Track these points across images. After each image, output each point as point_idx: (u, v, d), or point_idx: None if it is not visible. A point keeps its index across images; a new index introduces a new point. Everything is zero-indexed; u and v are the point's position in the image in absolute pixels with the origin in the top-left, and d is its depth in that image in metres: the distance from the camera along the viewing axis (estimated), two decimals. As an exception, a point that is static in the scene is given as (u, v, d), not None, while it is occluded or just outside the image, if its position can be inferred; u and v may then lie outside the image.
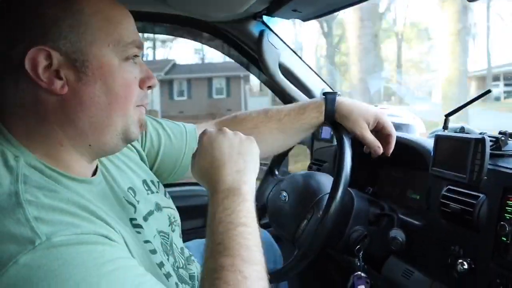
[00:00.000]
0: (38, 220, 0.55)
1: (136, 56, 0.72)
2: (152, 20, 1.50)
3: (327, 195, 1.01)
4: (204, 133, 0.81)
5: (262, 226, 1.42)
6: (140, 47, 0.73)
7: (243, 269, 0.63)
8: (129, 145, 0.90)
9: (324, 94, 1.11)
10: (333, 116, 1.07)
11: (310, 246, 0.97)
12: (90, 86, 0.67)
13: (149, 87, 0.76)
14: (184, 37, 1.63)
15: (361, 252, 1.10)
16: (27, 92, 0.65)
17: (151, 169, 0.98)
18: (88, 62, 0.67)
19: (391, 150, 1.10)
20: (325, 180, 1.17)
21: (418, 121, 1.47)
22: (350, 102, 1.08)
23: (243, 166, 0.77)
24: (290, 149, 1.40)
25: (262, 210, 1.35)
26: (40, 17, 0.64)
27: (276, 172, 1.49)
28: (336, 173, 0.98)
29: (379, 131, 1.09)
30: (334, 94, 1.09)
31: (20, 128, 0.67)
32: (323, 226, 0.95)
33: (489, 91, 0.97)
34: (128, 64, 0.71)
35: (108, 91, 0.68)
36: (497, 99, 13.59)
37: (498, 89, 14.48)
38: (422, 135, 1.38)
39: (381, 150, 1.08)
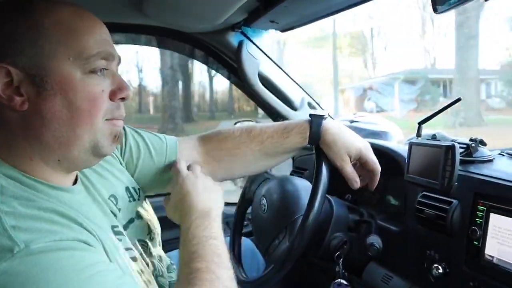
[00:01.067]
0: (15, 229, 0.56)
1: (104, 69, 0.71)
2: (131, 31, 1.50)
3: (301, 218, 1.00)
4: (178, 175, 0.93)
5: (245, 234, 1.42)
6: (108, 58, 0.71)
7: (217, 271, 0.72)
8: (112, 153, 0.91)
9: (311, 116, 1.05)
10: (317, 142, 1.03)
11: (279, 268, 1.00)
12: (51, 101, 0.66)
13: (122, 99, 0.74)
14: (163, 48, 1.64)
15: (341, 259, 1.11)
16: None
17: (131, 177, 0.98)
18: (47, 77, 0.66)
19: (374, 186, 1.07)
20: (304, 195, 1.14)
21: (395, 128, 1.51)
22: (336, 131, 1.03)
23: (213, 199, 0.88)
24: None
25: (248, 202, 1.34)
26: None
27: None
28: (308, 204, 0.98)
29: (363, 166, 1.06)
30: (320, 118, 1.04)
31: None
32: (291, 256, 0.98)
33: (459, 99, 1.00)
34: (92, 77, 0.69)
35: (70, 106, 0.67)
36: (371, 112, 13.44)
37: (371, 102, 14.50)
38: (399, 142, 1.42)
39: (357, 185, 1.04)
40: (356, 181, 1.03)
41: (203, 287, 0.69)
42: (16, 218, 0.57)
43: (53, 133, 0.67)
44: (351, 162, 1.03)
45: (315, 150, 1.05)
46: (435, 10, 0.87)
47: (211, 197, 0.88)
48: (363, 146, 1.04)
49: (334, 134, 1.02)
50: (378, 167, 1.05)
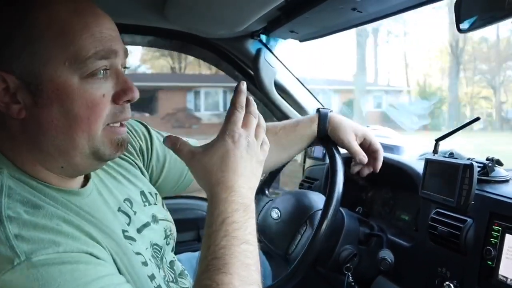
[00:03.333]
0: (18, 238, 0.54)
1: (106, 69, 0.65)
2: (150, 34, 1.51)
3: (320, 211, 1.04)
4: (231, 135, 0.72)
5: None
6: (109, 56, 0.65)
7: None
8: (128, 159, 0.90)
9: (318, 109, 1.17)
10: (326, 127, 1.11)
11: (302, 261, 0.99)
12: (47, 110, 0.63)
13: (128, 101, 0.69)
14: (180, 51, 1.65)
15: (350, 271, 1.11)
16: None
17: (155, 183, 0.98)
18: (42, 85, 0.62)
19: (379, 166, 1.14)
20: (317, 198, 1.19)
21: (409, 143, 1.50)
22: (342, 117, 1.14)
23: (254, 184, 0.74)
24: (282, 167, 1.39)
25: None
26: None
27: (267, 192, 1.45)
28: (329, 190, 1.01)
29: (367, 148, 1.14)
30: (326, 109, 1.16)
31: (2, 145, 0.66)
32: (316, 241, 0.98)
33: (478, 118, 1.00)
34: (92, 81, 0.64)
35: (68, 114, 0.63)
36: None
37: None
38: (411, 157, 1.41)
39: (366, 159, 1.12)
40: (363, 156, 1.11)
41: None
42: (20, 227, 0.56)
43: (51, 141, 0.65)
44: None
45: (324, 142, 1.14)
46: (458, 29, 0.88)
47: (254, 183, 0.75)
48: (366, 129, 1.15)
49: (340, 118, 1.15)
50: (381, 148, 1.14)
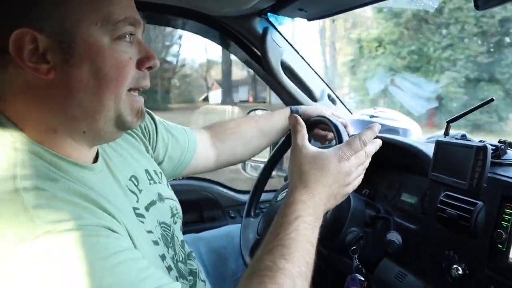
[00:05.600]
0: (37, 210, 0.53)
1: (132, 34, 0.68)
2: (156, 11, 1.48)
3: None
4: (342, 156, 0.82)
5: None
6: (135, 24, 0.68)
7: (298, 282, 0.68)
8: (135, 135, 0.90)
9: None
10: (298, 113, 1.20)
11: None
12: (78, 69, 0.63)
13: (150, 68, 0.72)
14: (186, 30, 1.62)
15: (357, 254, 1.10)
16: (16, 76, 0.63)
17: (158, 164, 0.98)
18: (74, 43, 0.62)
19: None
20: None
21: (415, 125, 1.49)
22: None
23: (330, 206, 0.83)
24: (269, 174, 1.31)
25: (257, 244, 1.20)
26: None
27: (252, 214, 1.31)
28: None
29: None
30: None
31: (15, 113, 0.64)
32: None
33: (492, 100, 0.98)
34: (121, 44, 0.66)
35: (98, 73, 0.64)
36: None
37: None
38: (418, 139, 1.40)
39: (343, 120, 1.21)
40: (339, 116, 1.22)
41: None
42: (38, 198, 0.54)
43: (79, 102, 0.65)
44: None
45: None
46: (476, 6, 0.85)
47: (330, 207, 0.84)
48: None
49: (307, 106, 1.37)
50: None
